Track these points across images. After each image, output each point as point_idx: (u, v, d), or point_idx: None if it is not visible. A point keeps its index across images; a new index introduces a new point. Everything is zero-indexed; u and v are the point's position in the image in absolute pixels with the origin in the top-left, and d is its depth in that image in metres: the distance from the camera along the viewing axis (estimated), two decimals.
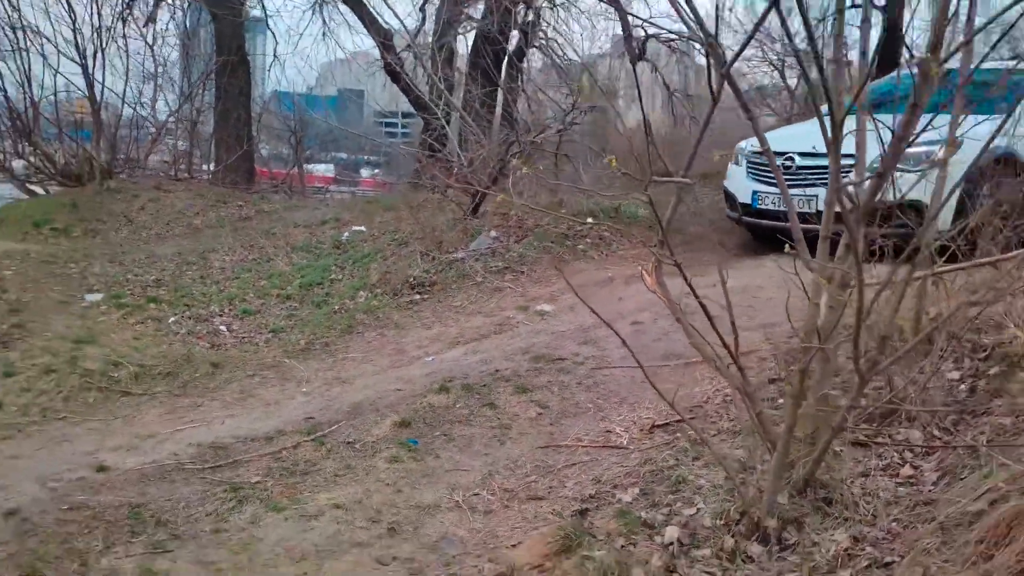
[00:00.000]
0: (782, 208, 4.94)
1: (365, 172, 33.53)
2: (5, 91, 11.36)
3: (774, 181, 5.26)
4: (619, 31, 12.82)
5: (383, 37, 12.34)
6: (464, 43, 13.42)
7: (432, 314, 5.14)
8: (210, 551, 2.48)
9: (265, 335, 5.70)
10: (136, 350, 4.62)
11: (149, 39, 13.43)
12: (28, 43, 11.78)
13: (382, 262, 6.87)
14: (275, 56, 16.32)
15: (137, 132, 13.01)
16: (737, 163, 6.27)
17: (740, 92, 2.29)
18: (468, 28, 12.83)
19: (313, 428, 3.40)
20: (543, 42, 13.30)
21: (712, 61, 2.16)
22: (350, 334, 4.93)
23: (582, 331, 4.37)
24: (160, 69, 13.88)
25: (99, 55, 11.93)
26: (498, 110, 11.75)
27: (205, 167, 14.25)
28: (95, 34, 12.01)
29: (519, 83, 12.78)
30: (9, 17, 11.81)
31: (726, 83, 2.17)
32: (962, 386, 2.81)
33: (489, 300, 5.32)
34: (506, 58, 12.07)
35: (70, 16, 11.54)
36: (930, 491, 2.30)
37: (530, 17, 12.82)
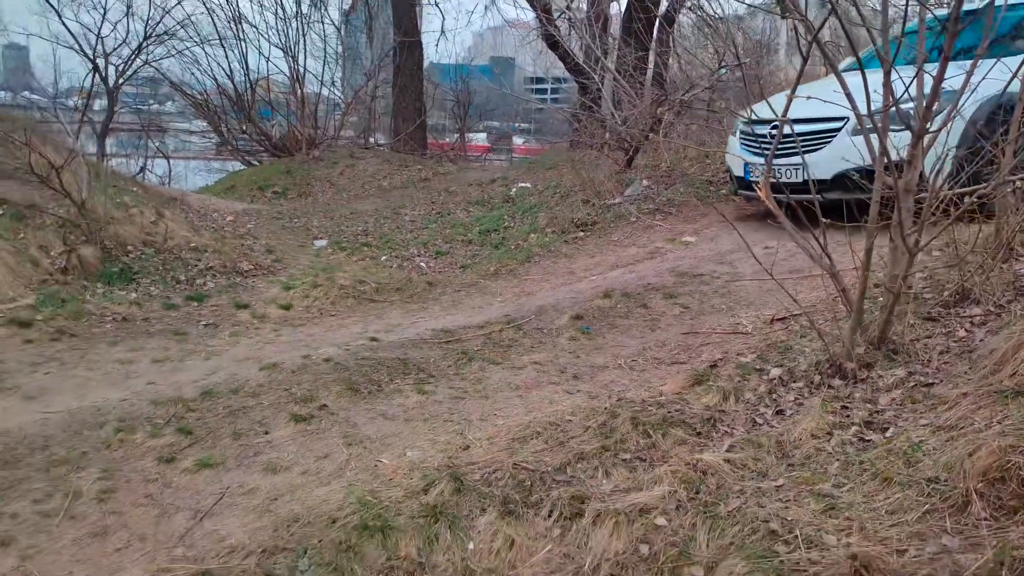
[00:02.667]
0: (790, 179, 5.10)
1: (517, 139, 34.75)
2: (231, 76, 13.56)
3: (765, 152, 5.22)
4: None
5: (543, 7, 13.36)
6: (618, 8, 14.20)
7: (594, 247, 6.21)
8: (455, 382, 3.72)
9: (455, 270, 7.02)
10: (370, 274, 6.04)
11: (338, 25, 15.34)
12: (244, 33, 13.93)
13: (548, 210, 7.99)
14: (443, 32, 17.81)
15: (332, 108, 14.97)
16: (734, 134, 6.14)
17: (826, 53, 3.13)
18: None
19: (511, 320, 4.61)
20: (694, 2, 13.76)
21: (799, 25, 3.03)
22: (529, 262, 6.11)
23: (720, 255, 5.28)
24: (347, 52, 15.80)
25: (301, 42, 13.89)
26: (649, 71, 12.46)
27: (383, 138, 16.06)
28: (298, 23, 13.98)
29: (670, 45, 13.38)
30: (230, 11, 14.00)
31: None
32: None
33: (642, 235, 6.31)
34: (657, 21, 12.70)
35: (280, 8, 13.51)
36: (976, 344, 3.10)
37: None
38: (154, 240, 6.37)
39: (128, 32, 16.28)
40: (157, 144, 16.66)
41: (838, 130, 5.14)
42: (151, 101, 20.96)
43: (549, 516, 2.52)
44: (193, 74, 14.64)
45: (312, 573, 2.29)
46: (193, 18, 14.25)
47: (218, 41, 14.00)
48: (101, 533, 2.64)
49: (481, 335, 4.39)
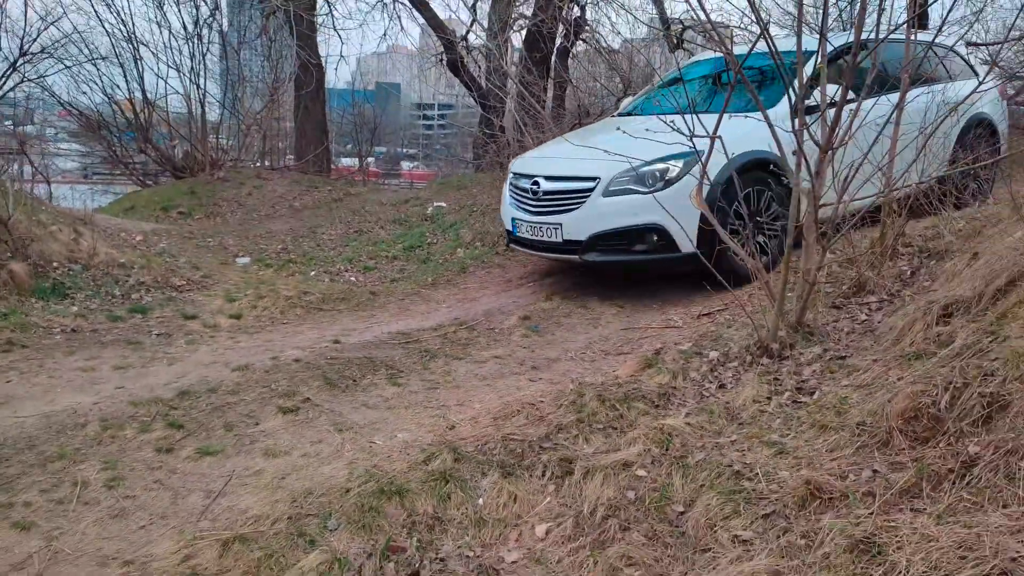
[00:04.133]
0: (536, 238, 5.27)
1: (406, 164, 35.04)
2: (130, 95, 13.19)
3: (529, 208, 5.27)
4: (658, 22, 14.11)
5: (447, 36, 13.85)
6: (517, 39, 14.88)
7: (525, 257, 6.63)
8: (425, 375, 4.01)
9: (387, 283, 7.26)
10: (310, 286, 6.20)
11: (236, 48, 15.22)
12: (139, 52, 13.60)
13: (470, 227, 8.35)
14: (341, 56, 18.01)
15: (233, 130, 14.78)
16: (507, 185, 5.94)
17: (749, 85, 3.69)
18: (521, 27, 14.25)
19: (462, 323, 4.94)
20: (588, 35, 14.63)
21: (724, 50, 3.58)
22: (464, 273, 6.45)
23: None
24: (246, 73, 15.67)
25: (200, 64, 13.70)
26: (549, 100, 13.12)
27: (283, 161, 16.00)
28: (195, 45, 13.78)
29: (567, 75, 14.13)
30: (123, 29, 13.63)
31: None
32: (908, 272, 4.20)
33: None
34: (555, 51, 13.43)
35: (182, 29, 13.31)
36: (875, 325, 3.72)
37: (576, 13, 14.16)
38: (79, 257, 6.26)
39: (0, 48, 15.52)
40: (36, 166, 15.85)
41: (591, 190, 4.99)
42: (30, 122, 19.87)
43: (543, 475, 2.87)
44: (84, 92, 14.11)
45: (342, 529, 2.53)
46: (82, 34, 13.70)
47: (108, 58, 13.61)
48: (120, 514, 2.76)
49: (437, 336, 4.69)
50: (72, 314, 5.04)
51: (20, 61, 16.71)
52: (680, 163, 4.81)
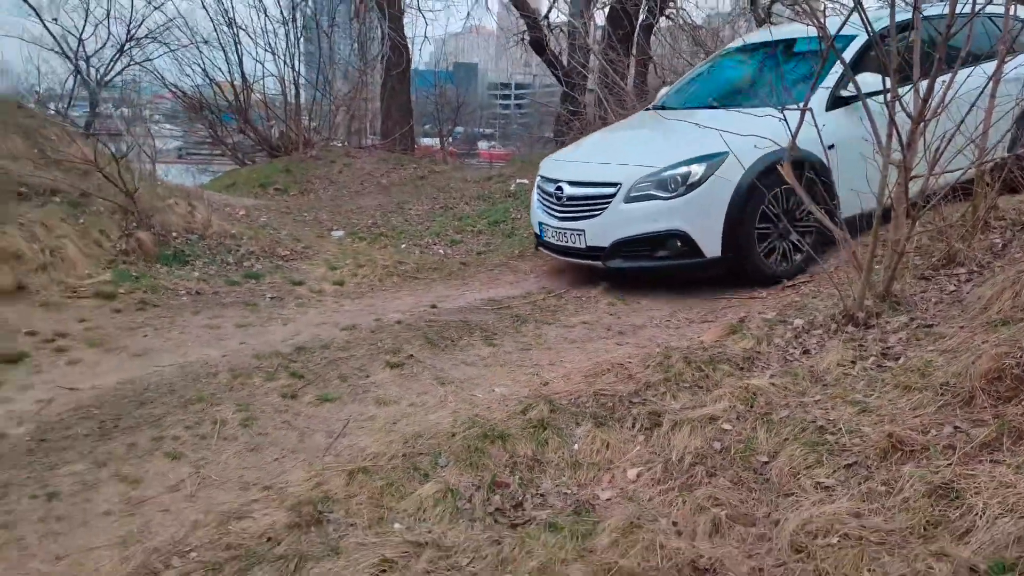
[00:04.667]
0: (562, 243, 5.18)
1: (483, 144, 35.34)
2: (231, 78, 13.91)
3: (555, 213, 5.21)
4: None
5: (531, 14, 13.99)
6: (600, 15, 14.88)
7: None
8: (518, 338, 4.27)
9: (475, 256, 7.55)
10: (404, 257, 6.55)
11: (327, 31, 15.77)
12: (239, 37, 14.28)
13: None
14: (425, 36, 18.40)
15: (325, 111, 15.38)
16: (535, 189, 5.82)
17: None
18: (604, 4, 14.25)
19: (550, 291, 5.17)
20: (672, 10, 14.50)
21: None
22: None
23: None
24: (337, 56, 16.23)
25: (295, 45, 14.29)
26: (632, 71, 13.08)
27: (370, 141, 16.53)
28: (289, 27, 14.38)
29: (649, 52, 14.06)
30: (225, 15, 14.35)
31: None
32: (1000, 244, 4.19)
33: None
34: (638, 27, 13.39)
35: (281, 13, 13.90)
36: (964, 296, 3.75)
37: None
38: (195, 227, 6.77)
39: (109, 35, 16.53)
40: (144, 146, 16.84)
41: (613, 196, 4.92)
42: (130, 104, 21.10)
43: (633, 426, 3.08)
44: (187, 75, 14.93)
45: (451, 465, 2.81)
46: (185, 19, 14.54)
47: (210, 43, 14.34)
48: (255, 449, 3.13)
49: (527, 303, 4.94)
50: (194, 278, 5.52)
51: (128, 45, 17.74)
52: (703, 166, 4.73)
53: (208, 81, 14.63)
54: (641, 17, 13.28)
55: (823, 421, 2.84)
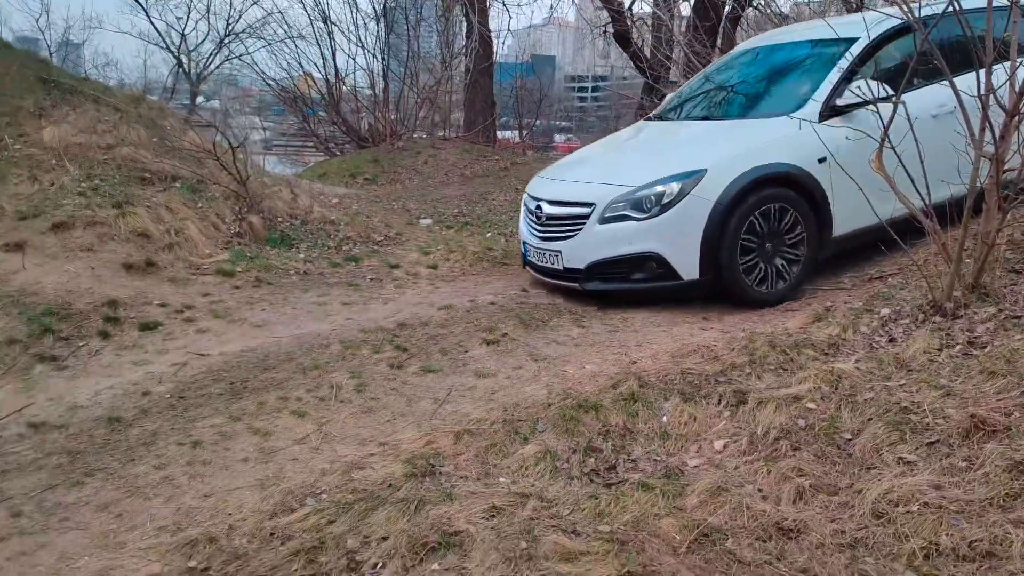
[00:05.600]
0: (542, 263, 4.93)
1: (559, 137, 35.40)
2: (324, 72, 14.53)
3: (536, 232, 4.99)
4: None
5: (615, 6, 14.06)
6: (686, 7, 14.82)
7: None
8: (606, 320, 4.48)
9: None
10: (490, 245, 6.83)
11: (413, 25, 16.22)
12: (331, 31, 14.87)
13: None
14: (508, 30, 18.72)
15: (409, 103, 15.86)
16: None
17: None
18: None
19: None
20: (760, 1, 14.30)
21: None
22: None
23: None
24: (423, 50, 16.69)
25: (384, 40, 14.79)
26: None
27: (452, 133, 16.93)
28: (379, 23, 14.88)
29: (736, 41, 13.90)
30: (318, 10, 14.99)
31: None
32: None
33: None
34: (724, 18, 13.29)
35: (375, 10, 14.43)
36: None
37: None
38: (297, 213, 7.23)
39: (209, 30, 17.41)
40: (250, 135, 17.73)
41: (588, 217, 4.69)
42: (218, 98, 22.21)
43: (719, 403, 3.25)
44: (283, 68, 15.63)
45: (549, 431, 3.05)
46: (275, 16, 15.26)
47: (305, 37, 15.01)
48: (369, 411, 3.45)
49: None
50: (300, 260, 5.93)
51: (226, 40, 18.57)
52: (677, 184, 4.48)
53: (294, 75, 15.32)
54: (728, 8, 13.19)
55: (907, 403, 2.95)
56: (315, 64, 14.91)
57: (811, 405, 3.11)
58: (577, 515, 2.50)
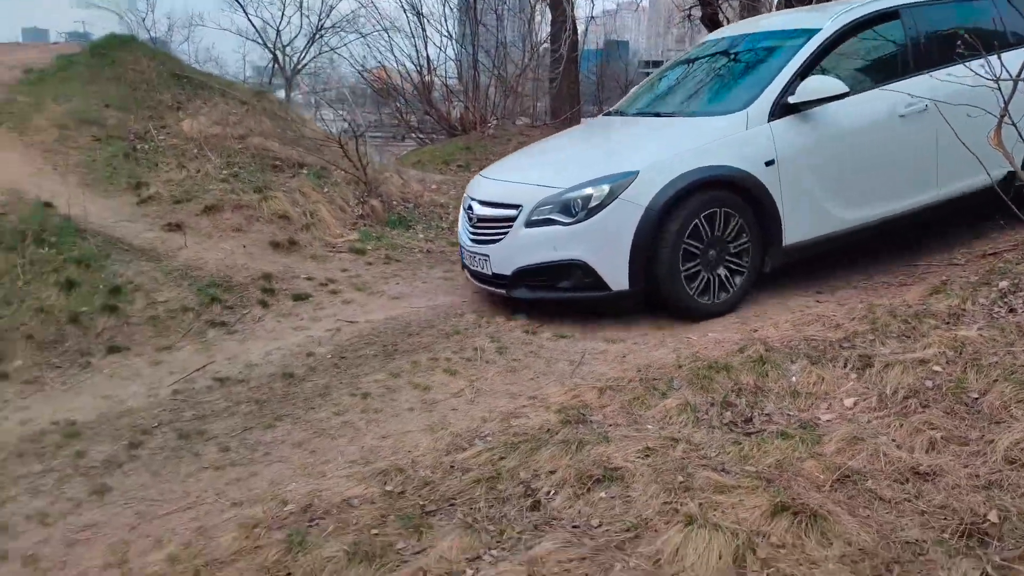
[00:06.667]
0: (474, 267, 4.60)
1: None
2: (416, 63, 15.04)
3: (469, 234, 4.68)
4: None
5: None
6: None
7: None
8: None
9: None
10: None
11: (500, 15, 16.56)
12: (423, 23, 15.35)
13: None
14: (592, 17, 18.85)
15: (496, 91, 16.24)
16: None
17: None
18: None
19: None
20: None
21: None
22: None
23: None
24: (507, 39, 17.02)
25: (473, 30, 15.18)
26: None
27: (543, 118, 17.22)
28: (471, 15, 15.27)
29: None
30: (411, 5, 15.48)
31: None
32: None
33: None
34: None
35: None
36: None
37: None
38: (409, 197, 7.68)
39: (302, 25, 18.18)
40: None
41: (514, 219, 4.35)
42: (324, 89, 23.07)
43: (845, 366, 3.45)
44: (377, 59, 16.23)
45: (685, 387, 3.33)
46: (364, 10, 15.85)
47: (399, 29, 15.55)
48: (513, 370, 3.80)
49: None
50: (420, 239, 6.36)
51: (318, 34, 19.32)
52: (605, 187, 4.11)
53: (386, 66, 15.89)
54: None
55: None
56: (408, 55, 15.43)
57: (937, 368, 3.28)
58: (723, 457, 2.77)
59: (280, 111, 9.13)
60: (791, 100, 4.33)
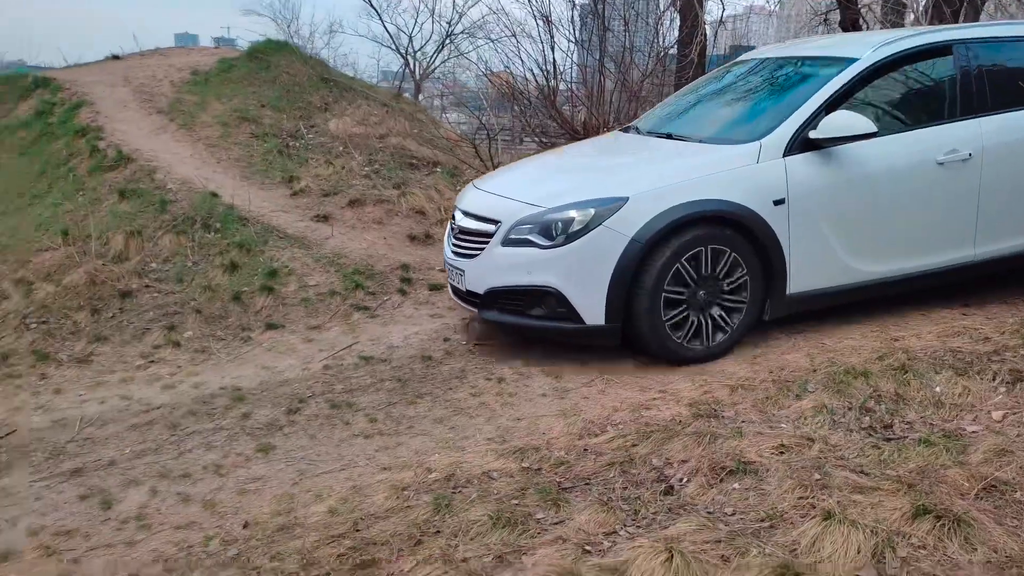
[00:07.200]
0: (452, 281, 4.34)
1: None
2: (543, 68, 15.32)
3: (451, 245, 4.39)
4: None
5: None
6: None
7: None
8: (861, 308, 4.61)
9: None
10: None
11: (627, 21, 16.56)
12: (551, 30, 15.59)
13: None
14: (721, 21, 18.54)
15: (620, 95, 16.28)
16: None
17: None
18: None
19: None
20: None
21: None
22: None
23: None
24: (633, 44, 17.02)
25: (599, 35, 15.28)
26: None
27: None
28: (594, 19, 15.37)
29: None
30: (539, 11, 15.78)
31: None
32: None
33: None
34: (965, 2, 12.36)
35: (593, 3, 15.01)
36: None
37: None
38: None
39: (433, 31, 18.83)
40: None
41: (492, 236, 4.02)
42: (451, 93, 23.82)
43: (994, 379, 3.33)
44: (503, 63, 16.62)
45: (820, 391, 3.31)
46: (493, 16, 16.27)
47: (525, 34, 15.86)
48: (643, 365, 3.88)
49: None
50: None
51: (447, 40, 19.94)
52: (589, 212, 3.77)
53: (513, 71, 16.22)
54: None
55: None
56: (535, 60, 15.73)
57: None
58: (862, 459, 2.76)
59: (416, 113, 9.58)
60: (812, 135, 3.92)
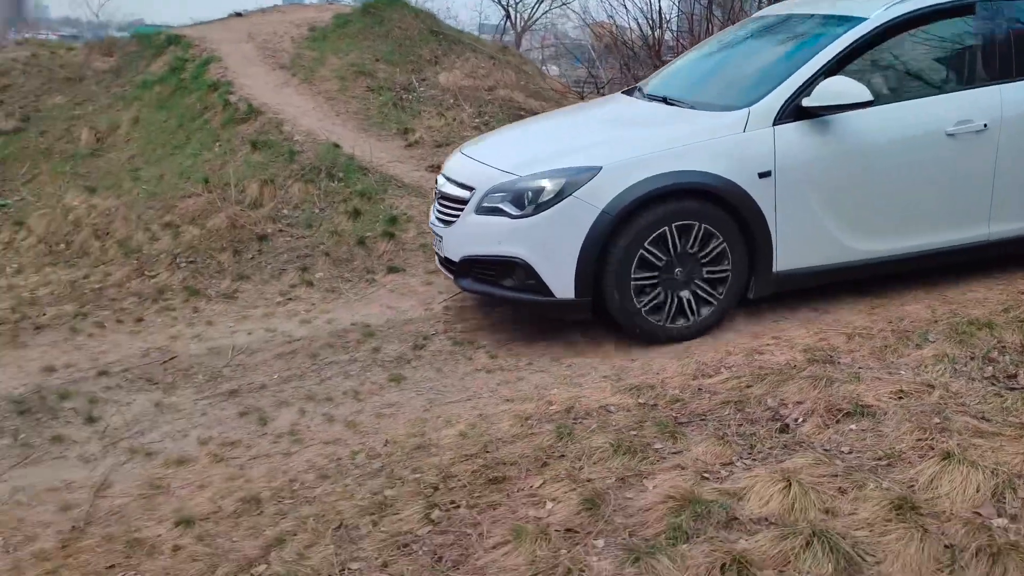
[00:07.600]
0: (434, 248, 4.21)
1: None
2: (649, 19, 15.01)
3: (436, 211, 4.20)
4: None
5: None
6: None
7: None
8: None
9: None
10: None
11: None
12: None
13: None
14: None
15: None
16: None
17: None
18: None
19: None
20: None
21: None
22: None
23: None
24: None
25: None
26: None
27: None
28: None
29: None
30: None
31: None
32: None
33: None
34: None
35: None
36: None
37: None
38: None
39: None
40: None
41: (467, 203, 3.87)
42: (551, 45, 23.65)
43: None
44: (607, 12, 16.37)
45: (941, 340, 3.29)
46: None
47: None
48: (754, 313, 3.94)
49: None
50: None
51: None
52: (560, 181, 3.59)
53: (616, 22, 15.92)
54: None
55: None
56: (640, 8, 15.43)
57: None
58: (984, 407, 2.76)
59: (522, 65, 9.66)
60: (805, 103, 3.63)
